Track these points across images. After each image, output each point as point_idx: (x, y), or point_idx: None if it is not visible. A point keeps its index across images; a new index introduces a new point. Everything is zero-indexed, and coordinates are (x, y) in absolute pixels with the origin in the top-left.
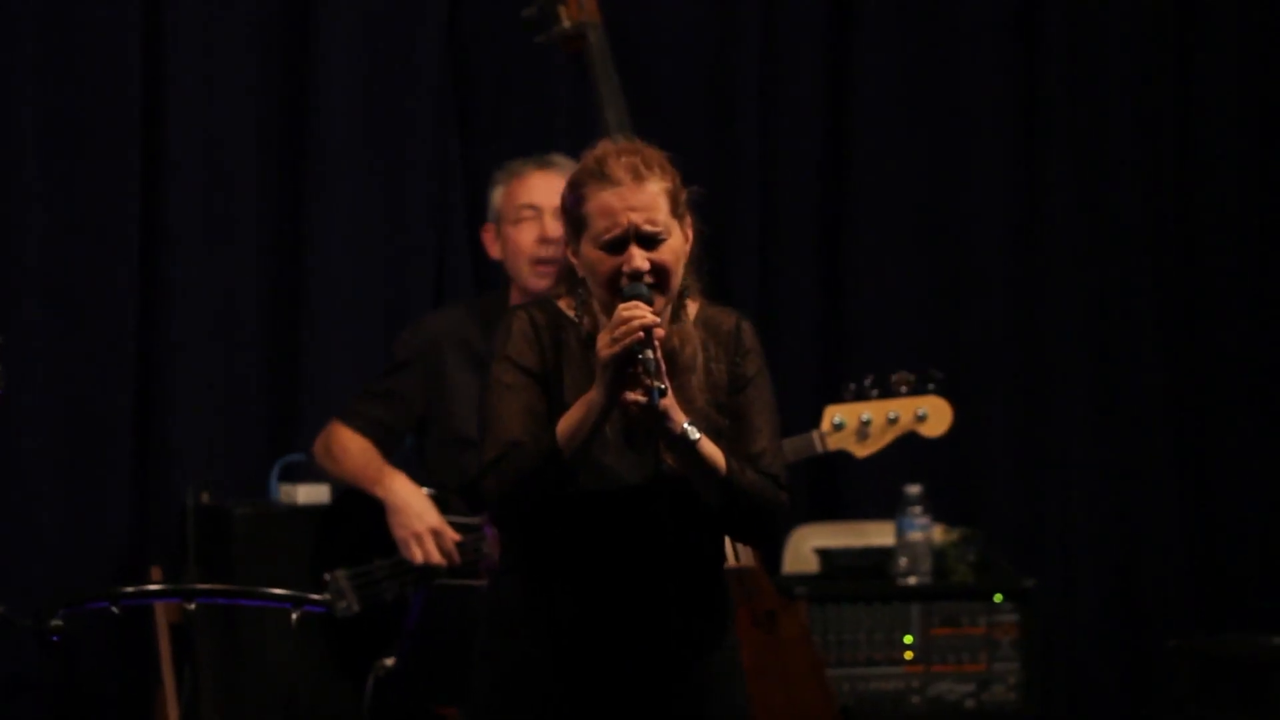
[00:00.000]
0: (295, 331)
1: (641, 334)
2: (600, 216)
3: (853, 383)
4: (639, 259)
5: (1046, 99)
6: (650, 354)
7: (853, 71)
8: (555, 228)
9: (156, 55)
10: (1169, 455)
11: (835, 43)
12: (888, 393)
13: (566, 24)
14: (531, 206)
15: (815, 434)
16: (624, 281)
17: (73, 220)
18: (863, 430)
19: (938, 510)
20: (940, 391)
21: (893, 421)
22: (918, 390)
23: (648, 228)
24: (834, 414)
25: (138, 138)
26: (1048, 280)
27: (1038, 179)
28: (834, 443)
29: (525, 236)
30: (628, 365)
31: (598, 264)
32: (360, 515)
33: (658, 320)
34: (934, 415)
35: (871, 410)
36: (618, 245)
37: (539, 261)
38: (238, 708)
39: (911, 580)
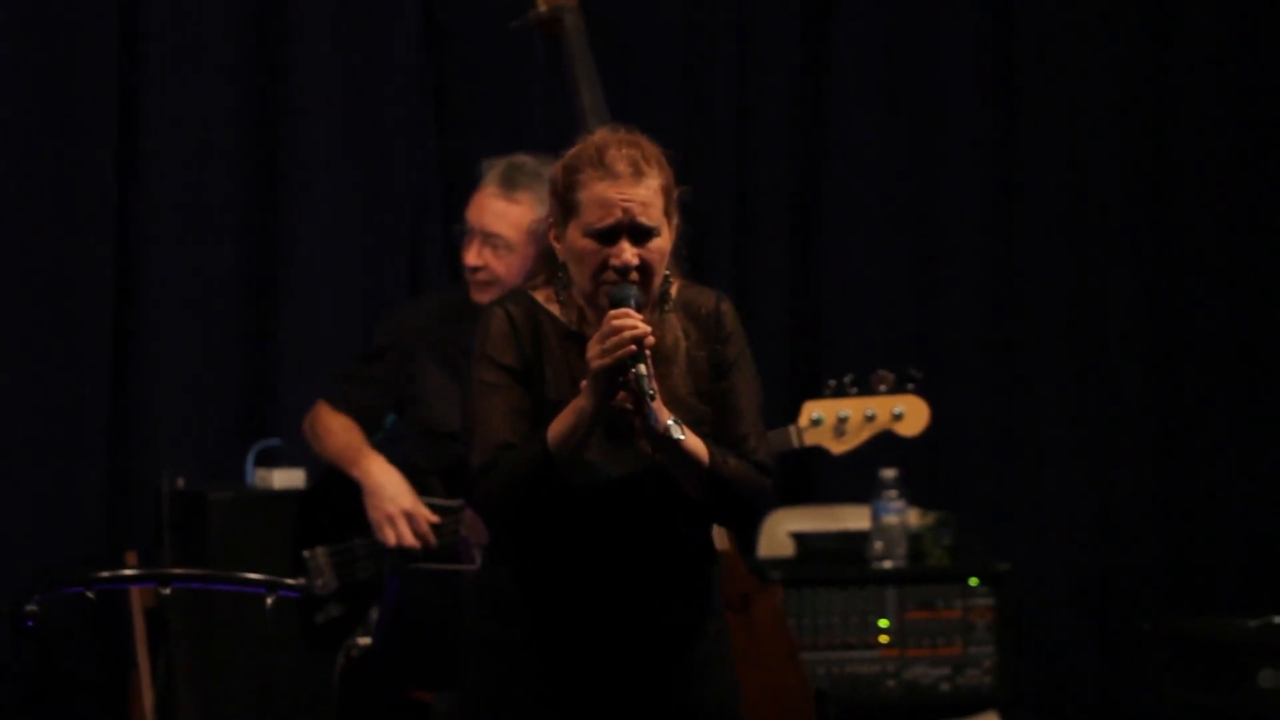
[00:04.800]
0: (271, 318)
1: (633, 347)
2: (594, 205)
3: (832, 379)
4: (629, 253)
5: (1023, 86)
6: (643, 367)
7: (829, 59)
8: (476, 253)
9: (134, 44)
10: (1143, 438)
11: (812, 29)
12: (866, 390)
13: (543, 8)
14: (468, 224)
15: (792, 429)
16: (609, 275)
17: (49, 206)
18: (840, 427)
19: (913, 494)
20: (919, 391)
21: (870, 419)
22: (896, 389)
23: (643, 221)
24: (812, 410)
25: (114, 124)
26: (1024, 265)
27: (1014, 166)
28: (810, 438)
29: (465, 255)
30: (618, 375)
31: (585, 253)
32: (341, 495)
33: (649, 330)
34: (911, 414)
35: (849, 407)
36: (609, 236)
37: (467, 273)
38: (212, 692)
39: (887, 564)
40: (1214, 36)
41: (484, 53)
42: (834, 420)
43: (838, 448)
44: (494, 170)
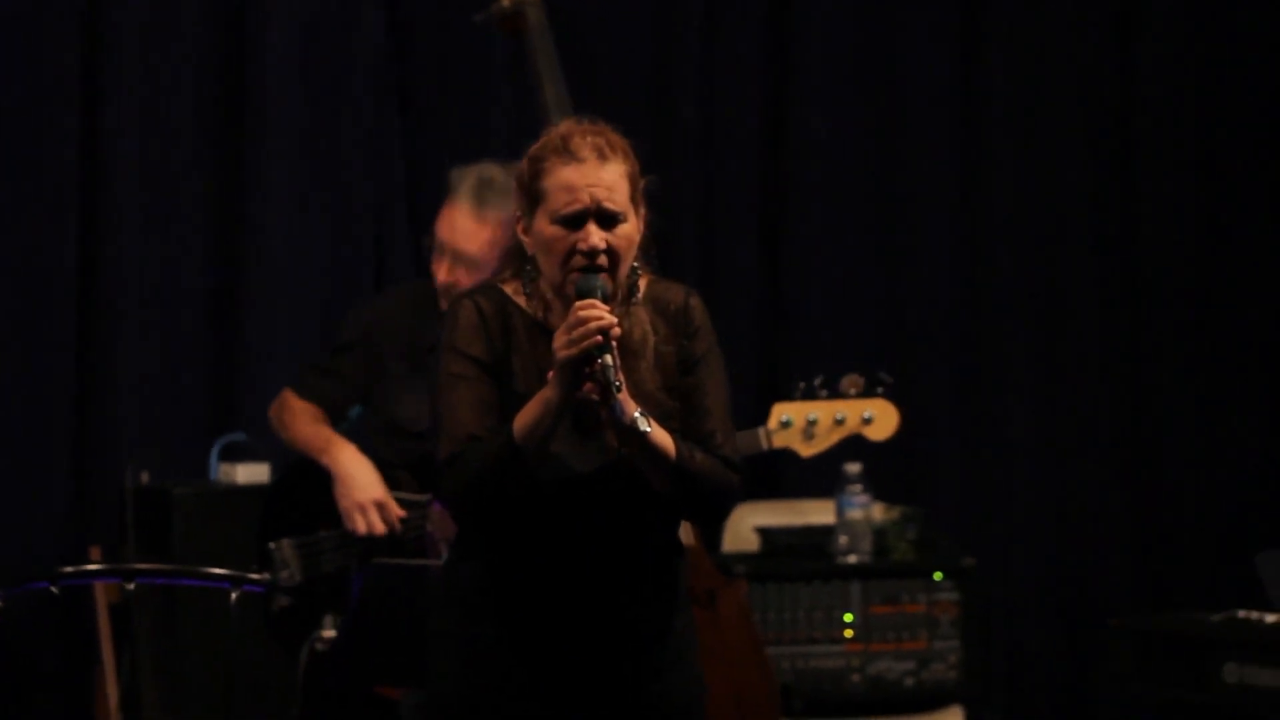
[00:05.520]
0: (235, 312)
1: (599, 338)
2: (560, 191)
3: (802, 381)
4: (596, 236)
5: (988, 83)
6: (609, 358)
7: (793, 53)
8: (448, 271)
9: (96, 33)
10: (1109, 434)
11: (776, 23)
12: (836, 394)
13: (506, 3)
14: (439, 240)
15: (761, 430)
16: (577, 260)
17: (11, 204)
18: (809, 430)
19: (877, 488)
20: (888, 395)
21: (839, 423)
22: (866, 393)
23: (609, 205)
24: (781, 412)
25: (76, 115)
26: (989, 261)
27: (979, 162)
28: (780, 440)
29: (432, 263)
30: (584, 366)
31: (553, 240)
32: (307, 487)
33: (615, 321)
34: (880, 418)
35: (819, 410)
36: (576, 220)
37: (443, 289)
38: (177, 686)
39: (851, 558)
40: (1177, 33)
41: (449, 43)
42: (803, 423)
43: (806, 450)
44: (465, 184)
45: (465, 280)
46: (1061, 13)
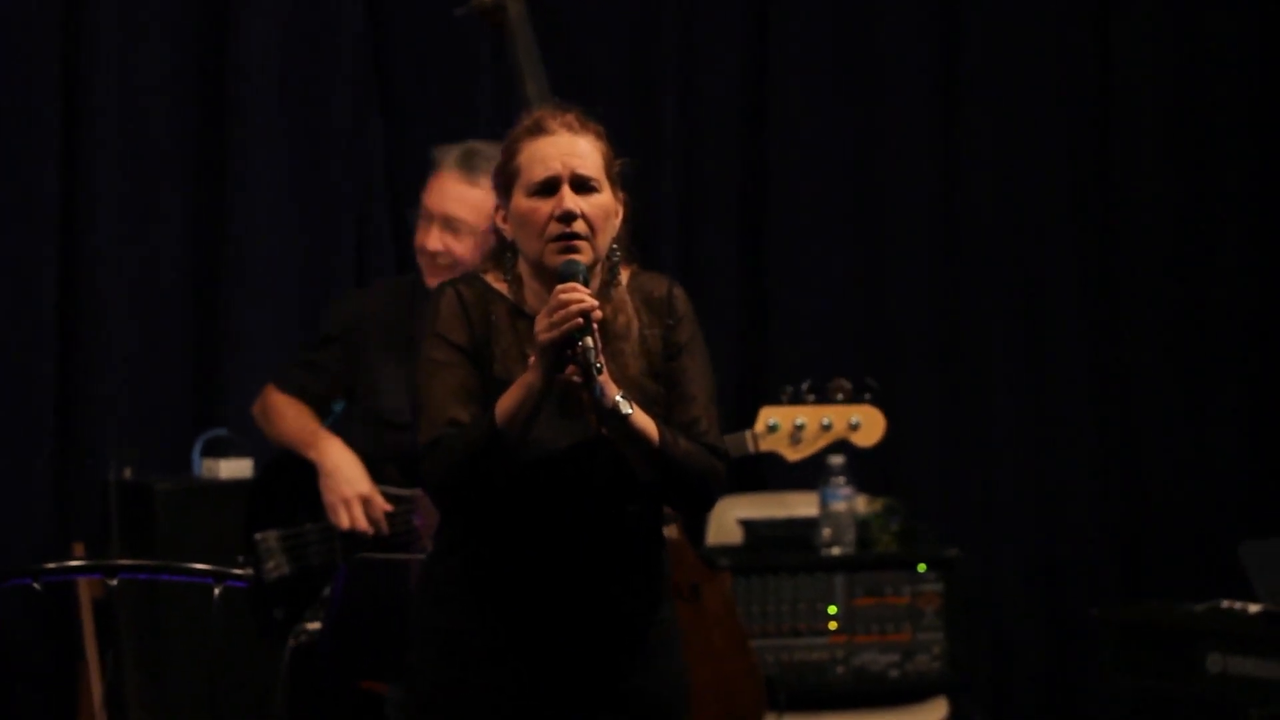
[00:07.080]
0: (217, 307)
1: (580, 320)
2: (533, 164)
3: (789, 386)
4: (570, 200)
5: (968, 81)
6: (590, 340)
7: (772, 50)
8: (438, 238)
9: (78, 37)
10: (1091, 424)
11: (756, 20)
12: (823, 399)
13: None
14: (427, 210)
15: (748, 434)
16: (554, 228)
17: None
18: (796, 435)
19: (861, 480)
20: (875, 401)
21: (826, 428)
22: (853, 399)
23: (582, 171)
24: (769, 416)
25: (57, 108)
26: (970, 255)
27: (959, 160)
28: (766, 444)
29: (418, 237)
30: (566, 349)
31: (529, 212)
32: (292, 480)
33: (596, 304)
34: (867, 425)
35: (806, 415)
36: (550, 186)
37: (424, 257)
38: (161, 682)
39: (835, 550)
40: (1156, 30)
41: (429, 37)
42: (790, 427)
43: (793, 455)
44: (451, 155)
45: (456, 247)
46: (1041, 8)
